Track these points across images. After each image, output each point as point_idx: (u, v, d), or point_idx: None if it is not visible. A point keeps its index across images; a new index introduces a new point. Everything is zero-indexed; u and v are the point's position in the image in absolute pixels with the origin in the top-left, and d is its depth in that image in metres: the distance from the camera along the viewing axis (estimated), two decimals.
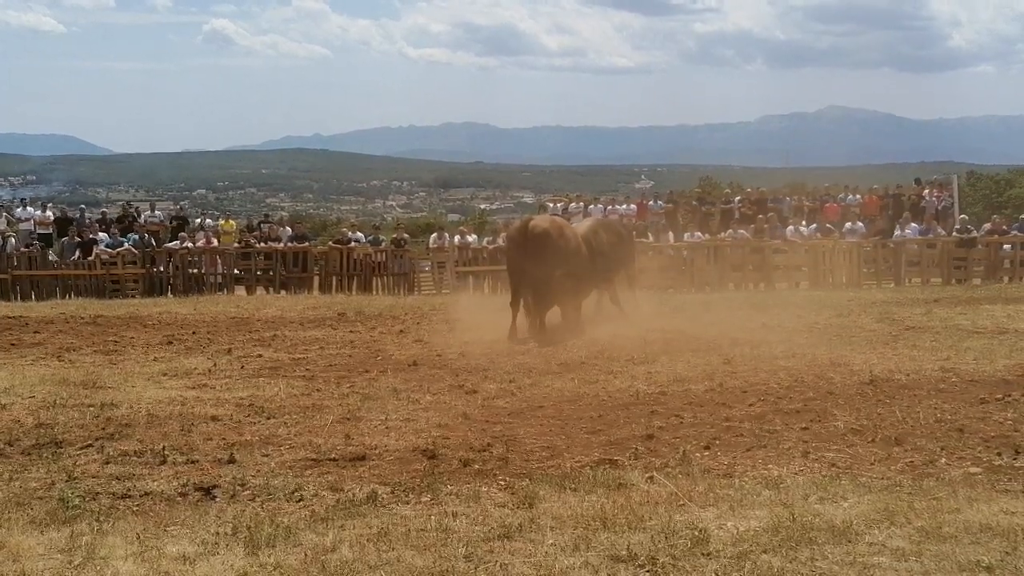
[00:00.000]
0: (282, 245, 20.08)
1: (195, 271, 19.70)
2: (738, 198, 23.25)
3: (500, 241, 18.70)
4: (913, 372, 8.35)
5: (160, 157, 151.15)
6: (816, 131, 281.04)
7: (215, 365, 9.64)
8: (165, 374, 9.11)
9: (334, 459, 5.79)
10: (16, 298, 18.42)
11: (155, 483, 5.30)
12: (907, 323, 12.21)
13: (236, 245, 20.26)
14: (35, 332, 12.54)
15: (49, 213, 21.88)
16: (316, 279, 20.03)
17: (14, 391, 8.06)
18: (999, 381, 7.89)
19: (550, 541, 4.24)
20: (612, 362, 9.32)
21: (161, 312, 15.15)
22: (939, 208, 21.93)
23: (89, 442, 6.25)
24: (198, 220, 23.03)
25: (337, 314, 14.68)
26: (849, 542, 4.15)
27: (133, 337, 12.05)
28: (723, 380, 8.11)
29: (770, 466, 5.49)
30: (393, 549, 4.17)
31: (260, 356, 10.30)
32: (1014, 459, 5.53)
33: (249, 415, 7.07)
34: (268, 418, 6.97)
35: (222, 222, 22.29)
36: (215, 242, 20.21)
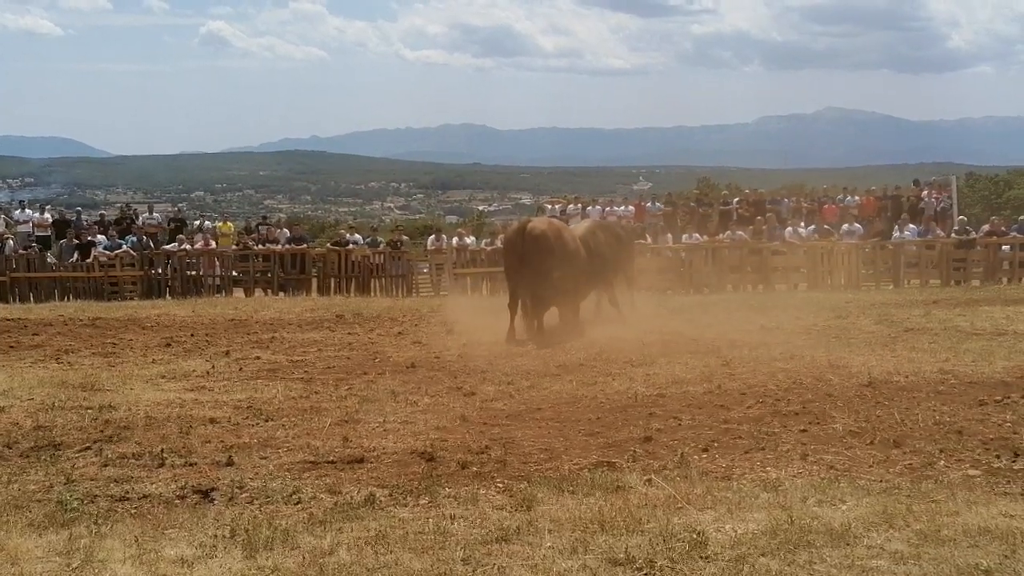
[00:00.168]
0: (280, 247, 20.07)
1: (193, 273, 19.70)
2: (736, 199, 23.27)
3: (498, 243, 18.70)
4: (912, 374, 8.35)
5: (158, 159, 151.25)
6: (814, 132, 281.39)
7: (213, 367, 9.63)
8: (163, 376, 9.10)
9: (332, 461, 5.78)
10: (14, 300, 18.41)
11: (153, 486, 5.30)
12: (906, 325, 12.21)
13: (234, 247, 20.26)
14: (33, 334, 12.53)
15: (47, 215, 21.88)
16: (314, 281, 20.03)
17: (12, 393, 8.05)
18: (998, 383, 7.89)
19: (548, 544, 4.23)
20: (610, 364, 9.31)
21: (159, 314, 15.14)
22: (938, 209, 21.95)
23: (87, 444, 6.24)
24: (196, 222, 23.04)
25: (335, 316, 14.67)
26: (847, 545, 4.15)
27: (131, 339, 12.04)
28: (721, 382, 8.11)
29: (768, 468, 5.48)
30: (391, 552, 4.17)
31: (258, 358, 10.29)
32: (1013, 461, 5.52)
33: (247, 417, 7.07)
34: (266, 420, 6.97)
35: (220, 224, 22.29)
36: (213, 244, 20.22)
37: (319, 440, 6.31)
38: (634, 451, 5.86)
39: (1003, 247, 20.27)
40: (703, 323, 12.42)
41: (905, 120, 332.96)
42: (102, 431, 6.63)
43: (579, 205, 22.43)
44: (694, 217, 22.07)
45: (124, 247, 19.61)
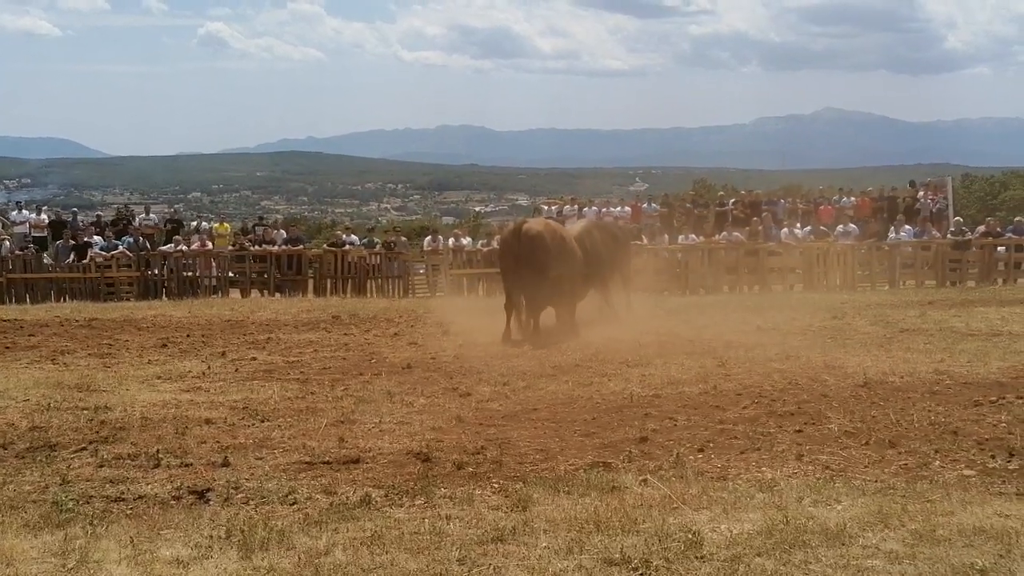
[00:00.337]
0: (276, 248, 20.06)
1: (189, 274, 19.69)
2: (732, 200, 23.30)
3: (494, 244, 18.70)
4: (907, 374, 8.36)
5: (155, 160, 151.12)
6: (812, 133, 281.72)
7: (209, 368, 9.63)
8: (159, 377, 9.09)
9: (328, 462, 5.78)
10: (11, 301, 18.37)
11: (149, 486, 5.29)
12: (901, 325, 12.23)
13: (230, 248, 20.25)
14: (30, 335, 12.52)
15: (44, 216, 21.84)
16: (310, 282, 20.02)
17: (8, 394, 8.05)
18: (993, 383, 7.91)
19: (543, 544, 4.24)
20: (606, 365, 9.31)
21: (155, 315, 15.13)
22: (934, 210, 22.00)
23: (83, 445, 6.23)
24: (193, 223, 23.02)
25: (331, 317, 14.67)
26: (843, 545, 4.16)
27: (127, 340, 12.03)
28: (717, 383, 8.12)
29: (764, 469, 5.49)
30: (386, 552, 4.17)
31: (254, 359, 10.28)
32: (1008, 461, 5.53)
33: (243, 418, 7.06)
34: (262, 421, 6.96)
35: (216, 225, 22.27)
36: (209, 245, 20.20)
37: (315, 441, 6.30)
38: (630, 451, 5.86)
39: (998, 248, 20.34)
40: (699, 324, 12.43)
41: (903, 121, 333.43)
42: (98, 432, 6.62)
43: (576, 206, 22.43)
44: (690, 218, 22.09)
45: (120, 248, 19.59)
